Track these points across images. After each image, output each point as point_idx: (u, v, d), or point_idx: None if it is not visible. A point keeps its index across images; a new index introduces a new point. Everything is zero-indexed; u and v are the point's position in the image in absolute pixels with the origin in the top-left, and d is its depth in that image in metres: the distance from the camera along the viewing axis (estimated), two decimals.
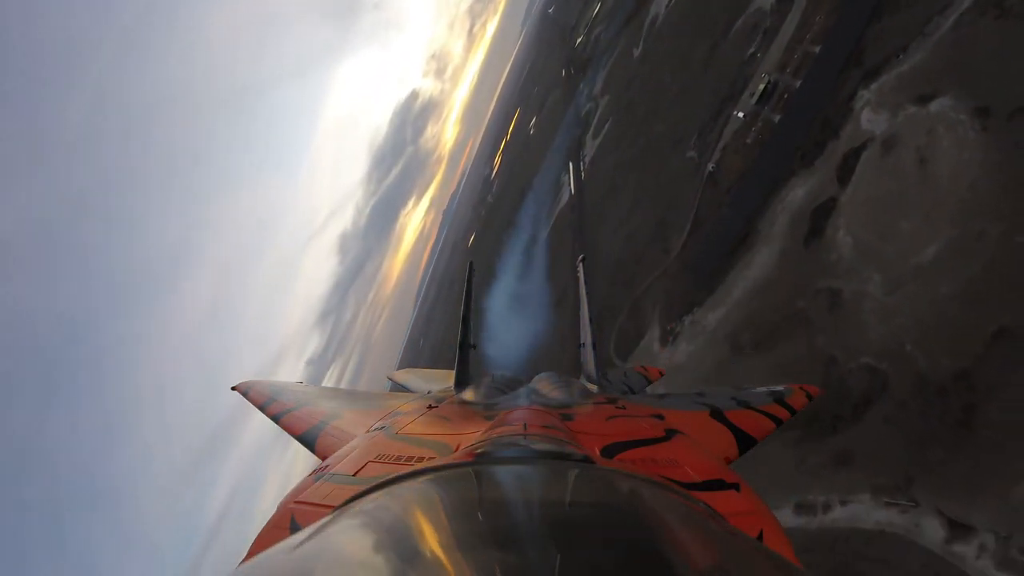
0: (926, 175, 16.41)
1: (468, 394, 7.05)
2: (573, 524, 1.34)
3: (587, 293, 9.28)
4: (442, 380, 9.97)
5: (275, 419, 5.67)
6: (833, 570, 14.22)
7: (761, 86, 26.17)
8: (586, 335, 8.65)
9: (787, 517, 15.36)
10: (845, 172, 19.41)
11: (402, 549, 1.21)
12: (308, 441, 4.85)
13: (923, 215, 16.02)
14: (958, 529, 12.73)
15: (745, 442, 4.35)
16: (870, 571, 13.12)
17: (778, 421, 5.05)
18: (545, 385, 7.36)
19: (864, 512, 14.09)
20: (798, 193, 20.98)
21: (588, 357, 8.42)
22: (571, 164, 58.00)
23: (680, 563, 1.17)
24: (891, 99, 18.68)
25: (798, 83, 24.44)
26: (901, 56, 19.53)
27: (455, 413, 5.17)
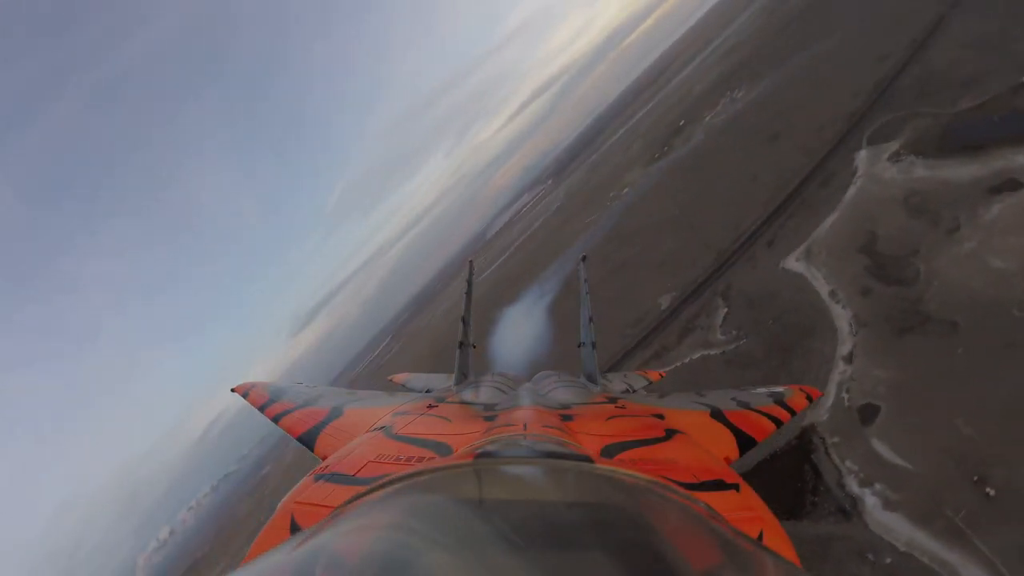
0: None
1: (468, 394, 7.16)
2: (573, 524, 1.37)
3: (587, 292, 9.33)
4: (442, 380, 10.12)
5: (275, 420, 5.72)
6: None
7: None
8: (586, 335, 8.79)
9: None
10: None
11: (402, 549, 1.23)
12: (308, 441, 4.89)
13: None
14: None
15: (745, 442, 4.46)
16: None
17: (778, 422, 5.15)
18: (545, 385, 7.53)
19: None
20: (1020, 160, 23.59)
21: (588, 357, 8.60)
22: None
23: (681, 563, 1.20)
24: None
25: None
26: None
27: (455, 413, 5.12)
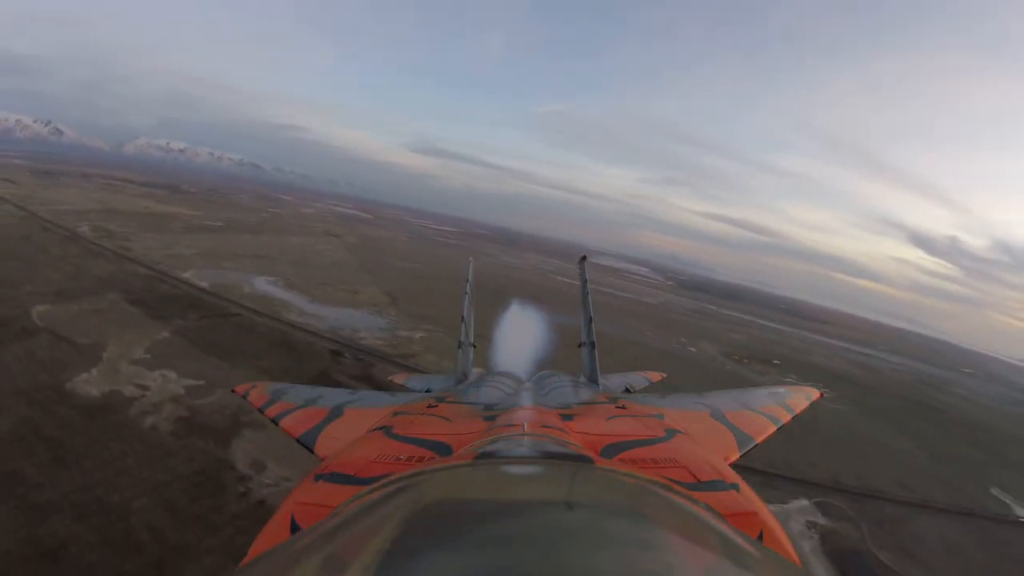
0: None
1: (468, 394, 7.19)
2: (574, 525, 1.39)
3: (587, 293, 9.22)
4: (442, 381, 10.21)
5: (275, 420, 5.68)
6: None
7: None
8: (587, 335, 8.86)
9: None
10: None
11: (402, 549, 1.23)
12: (308, 441, 4.88)
13: None
14: None
15: (745, 442, 4.52)
16: None
17: (778, 422, 5.17)
18: (546, 385, 7.61)
19: None
20: None
21: (588, 357, 8.69)
22: None
23: (681, 563, 1.22)
24: None
25: None
26: None
27: (455, 413, 5.11)
